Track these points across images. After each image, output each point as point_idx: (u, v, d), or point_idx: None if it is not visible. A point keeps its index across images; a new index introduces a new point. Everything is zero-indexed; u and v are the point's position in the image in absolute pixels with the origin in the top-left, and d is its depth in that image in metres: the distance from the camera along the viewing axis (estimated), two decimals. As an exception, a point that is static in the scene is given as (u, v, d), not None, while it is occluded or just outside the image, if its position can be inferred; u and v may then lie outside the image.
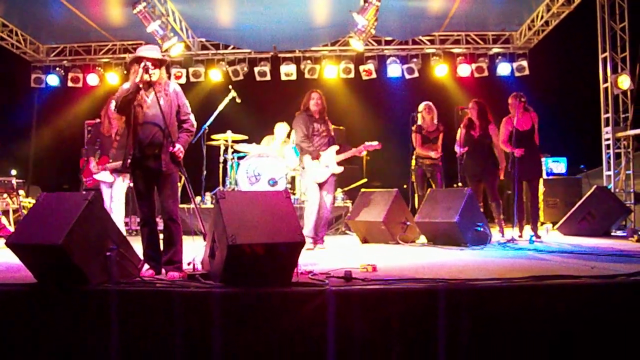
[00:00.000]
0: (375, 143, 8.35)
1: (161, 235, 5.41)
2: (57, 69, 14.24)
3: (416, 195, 9.56)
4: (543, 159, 10.67)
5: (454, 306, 4.19)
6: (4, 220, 9.63)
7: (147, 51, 5.39)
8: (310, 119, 8.02)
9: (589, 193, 9.24)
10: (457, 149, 8.96)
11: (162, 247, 5.38)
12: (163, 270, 5.28)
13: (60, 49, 14.29)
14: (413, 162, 9.49)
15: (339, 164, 8.02)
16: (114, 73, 14.08)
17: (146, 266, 5.30)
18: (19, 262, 4.78)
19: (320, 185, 7.96)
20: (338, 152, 8.06)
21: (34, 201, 9.97)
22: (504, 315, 4.22)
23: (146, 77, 5.21)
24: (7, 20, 12.51)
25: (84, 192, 5.52)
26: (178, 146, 5.29)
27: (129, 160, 5.30)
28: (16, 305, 4.40)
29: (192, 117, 5.57)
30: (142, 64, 5.21)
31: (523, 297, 4.31)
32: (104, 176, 8.21)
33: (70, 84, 14.08)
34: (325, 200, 7.97)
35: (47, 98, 14.43)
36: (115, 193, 8.25)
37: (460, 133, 9.02)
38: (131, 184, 9.91)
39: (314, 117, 8.04)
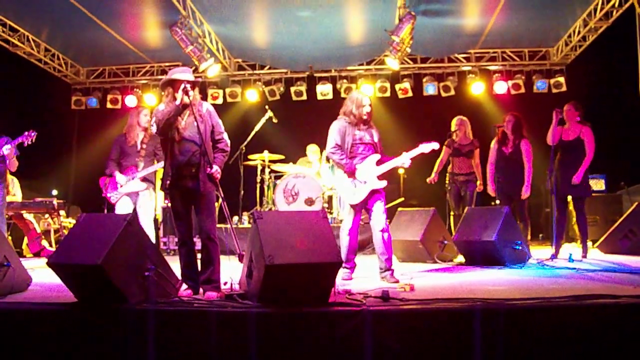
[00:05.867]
0: (433, 143, 6.88)
1: (199, 255, 5.47)
2: (97, 91, 14.47)
3: (452, 214, 9.50)
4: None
5: (491, 326, 4.15)
6: (45, 242, 9.79)
7: (183, 74, 5.49)
8: (350, 126, 6.69)
9: (630, 210, 9.07)
10: (489, 167, 8.89)
11: (200, 267, 5.45)
12: (201, 290, 5.34)
13: (100, 71, 14.55)
14: (447, 180, 9.44)
15: (382, 177, 6.62)
16: (151, 94, 14.26)
17: (184, 286, 5.36)
18: (60, 282, 4.86)
19: (357, 207, 6.65)
20: (378, 163, 6.63)
21: (74, 221, 10.14)
22: (542, 336, 4.16)
23: (186, 99, 5.33)
24: (50, 45, 12.81)
25: (122, 213, 5.58)
26: (216, 167, 5.41)
27: (167, 182, 5.40)
28: (57, 324, 4.46)
29: (225, 135, 5.69)
30: (182, 87, 5.31)
31: (562, 317, 4.23)
32: (134, 186, 7.88)
33: (109, 105, 14.29)
34: (375, 224, 6.59)
35: (87, 119, 14.67)
36: (142, 204, 7.94)
37: (492, 147, 8.94)
38: (168, 204, 10.04)
39: (358, 124, 6.72)
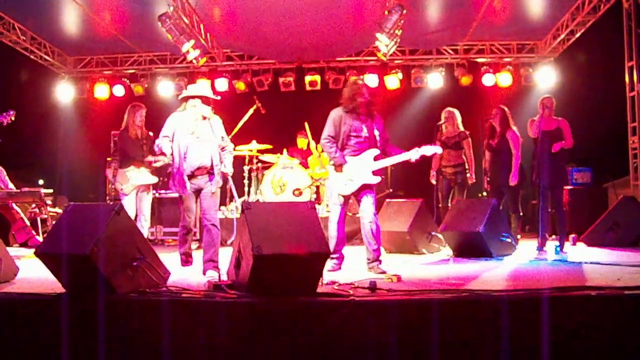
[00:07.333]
0: (437, 148, 6.88)
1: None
2: (84, 80, 14.36)
3: (439, 206, 9.50)
4: (569, 169, 10.57)
5: (477, 317, 4.19)
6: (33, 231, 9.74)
7: (207, 90, 6.54)
8: (348, 115, 6.49)
9: (615, 203, 9.13)
10: (484, 162, 8.90)
11: (203, 249, 6.34)
12: (202, 268, 6.19)
13: (87, 60, 14.43)
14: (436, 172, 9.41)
15: (377, 173, 6.47)
16: (139, 85, 14.16)
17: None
18: (48, 272, 4.85)
19: (345, 198, 6.59)
20: (379, 158, 6.51)
21: (61, 211, 10.10)
22: (528, 327, 4.20)
23: (206, 112, 6.36)
24: (36, 34, 12.70)
25: (111, 203, 5.62)
26: (229, 169, 6.47)
27: (179, 180, 6.31)
28: (45, 314, 4.47)
29: (229, 141, 6.73)
30: (211, 107, 6.43)
31: (547, 308, 4.27)
32: (146, 179, 7.99)
33: (96, 95, 14.19)
34: (364, 216, 6.51)
35: (74, 109, 14.57)
36: (143, 196, 8.07)
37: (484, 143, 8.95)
38: (156, 194, 10.04)
39: (355, 112, 6.50)
